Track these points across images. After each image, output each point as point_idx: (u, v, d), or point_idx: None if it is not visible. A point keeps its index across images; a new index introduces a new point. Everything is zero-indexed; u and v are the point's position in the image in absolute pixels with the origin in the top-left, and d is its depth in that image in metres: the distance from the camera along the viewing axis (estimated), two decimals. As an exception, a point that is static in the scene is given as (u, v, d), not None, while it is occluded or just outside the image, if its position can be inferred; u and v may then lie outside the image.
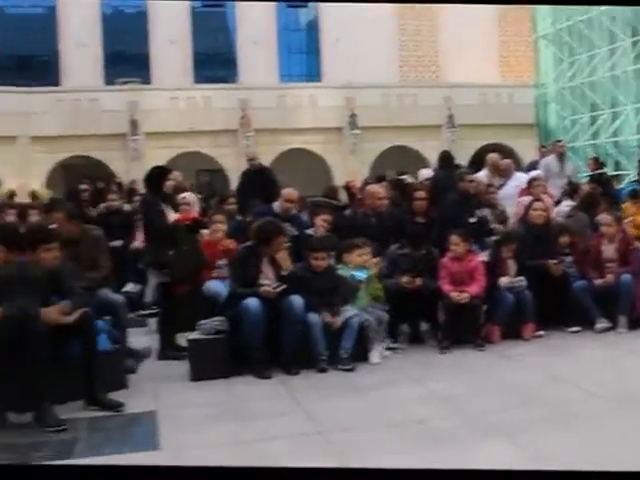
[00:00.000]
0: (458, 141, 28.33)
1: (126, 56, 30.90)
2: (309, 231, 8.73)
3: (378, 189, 9.26)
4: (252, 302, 6.75)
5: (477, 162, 15.32)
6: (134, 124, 27.52)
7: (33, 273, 5.91)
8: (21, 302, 5.68)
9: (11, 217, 9.53)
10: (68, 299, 5.94)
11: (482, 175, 10.95)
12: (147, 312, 9.58)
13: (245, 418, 5.59)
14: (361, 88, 28.69)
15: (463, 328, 7.58)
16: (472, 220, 9.18)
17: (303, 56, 32.84)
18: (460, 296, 7.49)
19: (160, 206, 7.88)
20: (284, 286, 6.87)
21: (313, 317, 6.96)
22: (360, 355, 7.00)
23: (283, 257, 6.98)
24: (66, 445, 5.14)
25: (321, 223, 8.78)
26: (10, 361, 5.58)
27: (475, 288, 7.59)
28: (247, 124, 27.94)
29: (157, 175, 8.02)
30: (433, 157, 16.97)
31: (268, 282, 6.88)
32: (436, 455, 4.63)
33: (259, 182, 12.91)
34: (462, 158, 19.61)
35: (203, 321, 7.06)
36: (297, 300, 6.87)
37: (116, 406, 5.90)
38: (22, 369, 5.58)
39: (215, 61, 31.76)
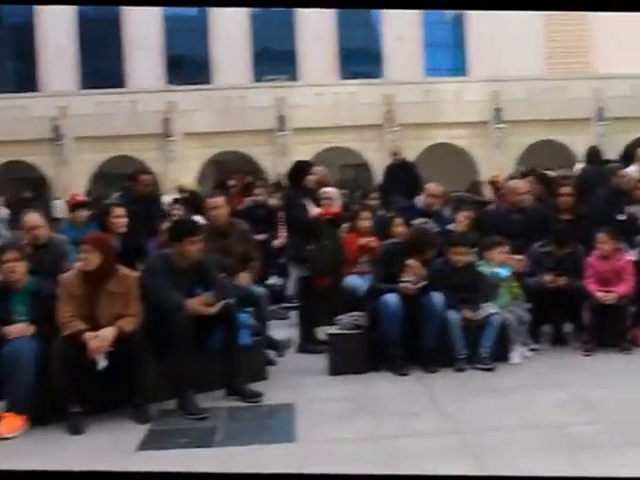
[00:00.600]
0: (608, 135, 27.20)
1: (274, 53, 31.41)
2: (450, 227, 8.59)
3: (519, 184, 8.97)
4: (391, 298, 6.70)
5: (628, 156, 14.62)
6: (281, 120, 27.97)
7: (178, 265, 6.06)
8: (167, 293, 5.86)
9: (180, 211, 9.82)
10: (212, 291, 6.06)
11: (633, 170, 10.43)
12: (289, 305, 9.70)
13: (381, 415, 5.54)
14: (507, 81, 28.02)
15: (609, 330, 7.24)
16: (621, 217, 8.76)
17: (448, 50, 32.38)
18: (607, 296, 7.16)
19: (302, 200, 7.94)
20: (424, 283, 6.77)
21: (452, 314, 6.84)
22: (500, 355, 6.82)
23: (418, 266, 6.86)
24: (206, 433, 5.26)
25: (463, 219, 8.63)
26: (156, 350, 5.73)
27: (623, 288, 7.24)
28: (392, 119, 27.86)
29: (299, 170, 8.09)
30: (582, 151, 16.36)
31: (409, 279, 6.78)
32: (573, 461, 4.44)
33: (402, 177, 12.83)
34: (613, 152, 18.79)
35: (342, 316, 7.06)
36: (437, 297, 6.77)
37: (255, 397, 5.99)
38: (167, 358, 5.74)
39: (360, 57, 31.80)
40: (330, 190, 9.10)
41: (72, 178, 27.12)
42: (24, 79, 30.78)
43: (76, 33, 31.21)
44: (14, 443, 5.25)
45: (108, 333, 5.50)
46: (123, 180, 11.20)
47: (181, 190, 10.70)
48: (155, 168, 26.26)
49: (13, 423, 5.40)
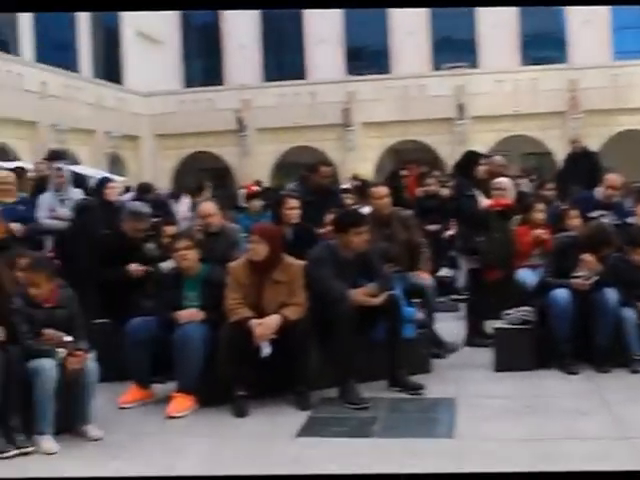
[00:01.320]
0: None
1: (453, 42, 30.96)
2: (630, 220, 8.14)
3: None
4: (561, 293, 6.45)
5: None
6: (460, 108, 27.58)
7: (343, 255, 6.09)
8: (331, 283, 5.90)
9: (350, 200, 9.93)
10: (375, 281, 6.05)
11: None
12: (459, 297, 9.56)
13: (546, 414, 5.35)
14: None
15: None
16: None
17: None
18: None
19: (472, 191, 7.79)
20: (596, 278, 6.47)
21: (627, 312, 6.48)
22: (681, 357, 6.39)
23: (593, 261, 6.54)
24: (365, 423, 5.26)
25: (643, 212, 8.16)
26: (319, 338, 5.81)
27: None
28: (576, 105, 26.79)
29: (469, 160, 7.94)
30: None
31: (582, 274, 6.49)
32: None
33: (582, 166, 12.35)
34: None
35: (510, 310, 6.87)
36: (611, 293, 6.44)
37: (417, 389, 5.94)
38: (330, 346, 5.80)
39: (543, 42, 30.72)
40: (502, 181, 8.84)
41: (254, 168, 28.00)
42: (211, 74, 32.11)
43: (259, 29, 32.15)
44: (183, 422, 5.47)
45: (273, 321, 5.61)
46: (302, 170, 11.39)
47: (354, 179, 10.76)
48: (334, 158, 26.68)
49: (183, 403, 5.62)
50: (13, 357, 4.94)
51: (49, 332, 5.13)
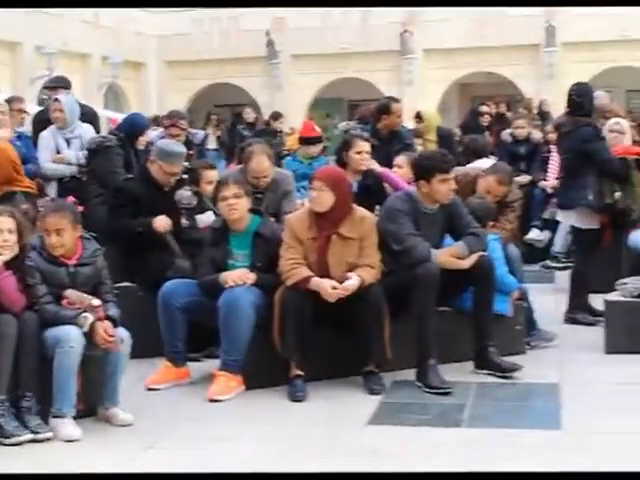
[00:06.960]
0: None
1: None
2: None
3: None
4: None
5: None
6: (550, 33, 27.07)
7: (425, 208, 6.18)
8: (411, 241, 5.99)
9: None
10: (463, 240, 6.14)
11: None
12: (555, 265, 9.71)
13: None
14: None
15: None
16: None
17: None
18: None
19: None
20: None
21: None
22: None
23: None
24: (450, 411, 5.43)
25: None
26: (392, 309, 5.90)
27: None
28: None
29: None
30: None
31: None
32: None
33: None
34: None
35: (626, 279, 6.94)
36: None
37: (510, 371, 6.06)
38: (406, 319, 5.93)
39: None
40: (622, 122, 8.76)
41: (288, 104, 27.58)
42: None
43: None
44: (227, 407, 5.60)
45: (352, 286, 5.67)
46: (351, 108, 11.43)
47: (418, 118, 10.71)
48: (389, 93, 26.46)
49: (227, 385, 5.75)
50: (28, 324, 5.07)
51: (73, 294, 5.23)
